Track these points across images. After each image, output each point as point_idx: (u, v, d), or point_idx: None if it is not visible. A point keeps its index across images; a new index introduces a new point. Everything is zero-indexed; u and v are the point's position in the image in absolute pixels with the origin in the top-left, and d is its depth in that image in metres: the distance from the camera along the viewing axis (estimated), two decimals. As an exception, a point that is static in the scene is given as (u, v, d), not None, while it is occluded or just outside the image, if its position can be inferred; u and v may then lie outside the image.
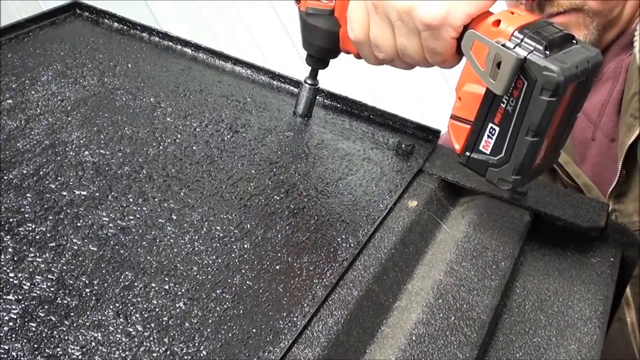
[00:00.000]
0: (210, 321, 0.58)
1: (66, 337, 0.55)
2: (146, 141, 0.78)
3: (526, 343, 0.65)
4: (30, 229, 0.64)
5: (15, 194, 0.67)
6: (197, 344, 0.56)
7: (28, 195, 0.67)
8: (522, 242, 0.75)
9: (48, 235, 0.63)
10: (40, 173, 0.70)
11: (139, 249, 0.64)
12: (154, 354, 0.55)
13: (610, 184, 0.96)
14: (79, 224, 0.65)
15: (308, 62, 0.85)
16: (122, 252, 0.63)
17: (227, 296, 0.61)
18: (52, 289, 0.58)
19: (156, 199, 0.70)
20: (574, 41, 0.65)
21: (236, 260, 0.65)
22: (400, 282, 0.68)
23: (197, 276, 0.62)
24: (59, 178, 0.70)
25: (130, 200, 0.69)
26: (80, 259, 0.62)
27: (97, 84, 0.86)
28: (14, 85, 0.82)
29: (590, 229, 0.76)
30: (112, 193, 0.70)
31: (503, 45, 0.63)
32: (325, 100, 0.92)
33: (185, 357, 0.55)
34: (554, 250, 0.77)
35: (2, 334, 0.54)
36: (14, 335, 0.54)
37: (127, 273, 0.61)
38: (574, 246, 0.77)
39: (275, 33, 2.54)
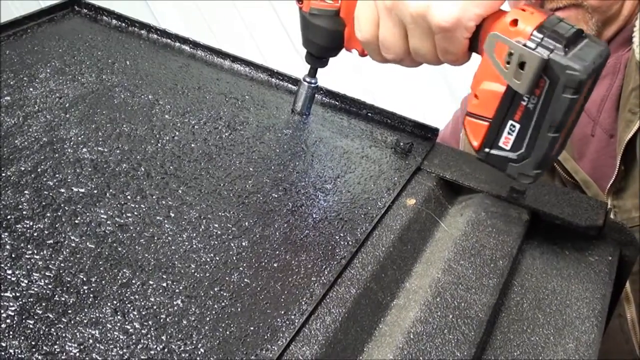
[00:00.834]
0: (207, 319, 0.58)
1: (64, 335, 0.55)
2: (144, 138, 0.78)
3: (524, 341, 0.65)
4: (28, 226, 0.64)
5: (13, 191, 0.67)
6: (194, 342, 0.56)
7: (26, 192, 0.67)
8: (520, 240, 0.75)
9: (46, 232, 0.63)
10: (38, 170, 0.70)
11: (136, 247, 0.64)
12: (152, 352, 0.55)
13: (609, 180, 0.96)
14: (76, 221, 0.65)
15: (307, 60, 0.84)
16: (119, 249, 0.63)
17: (224, 294, 0.61)
18: (49, 286, 0.58)
19: (154, 197, 0.70)
20: (583, 35, 0.66)
21: (234, 258, 0.65)
22: (398, 280, 0.68)
23: (195, 274, 0.62)
24: (57, 175, 0.70)
25: (128, 197, 0.69)
26: (77, 256, 0.62)
27: (95, 81, 0.86)
28: (12, 82, 0.82)
29: (589, 227, 0.76)
30: (110, 190, 0.70)
31: (524, 45, 0.63)
32: (323, 98, 0.92)
33: (183, 355, 0.55)
34: (552, 249, 0.77)
35: (-1, 331, 0.54)
36: (11, 333, 0.54)
37: (124, 270, 0.61)
38: (572, 245, 0.77)
39: (273, 30, 2.54)
